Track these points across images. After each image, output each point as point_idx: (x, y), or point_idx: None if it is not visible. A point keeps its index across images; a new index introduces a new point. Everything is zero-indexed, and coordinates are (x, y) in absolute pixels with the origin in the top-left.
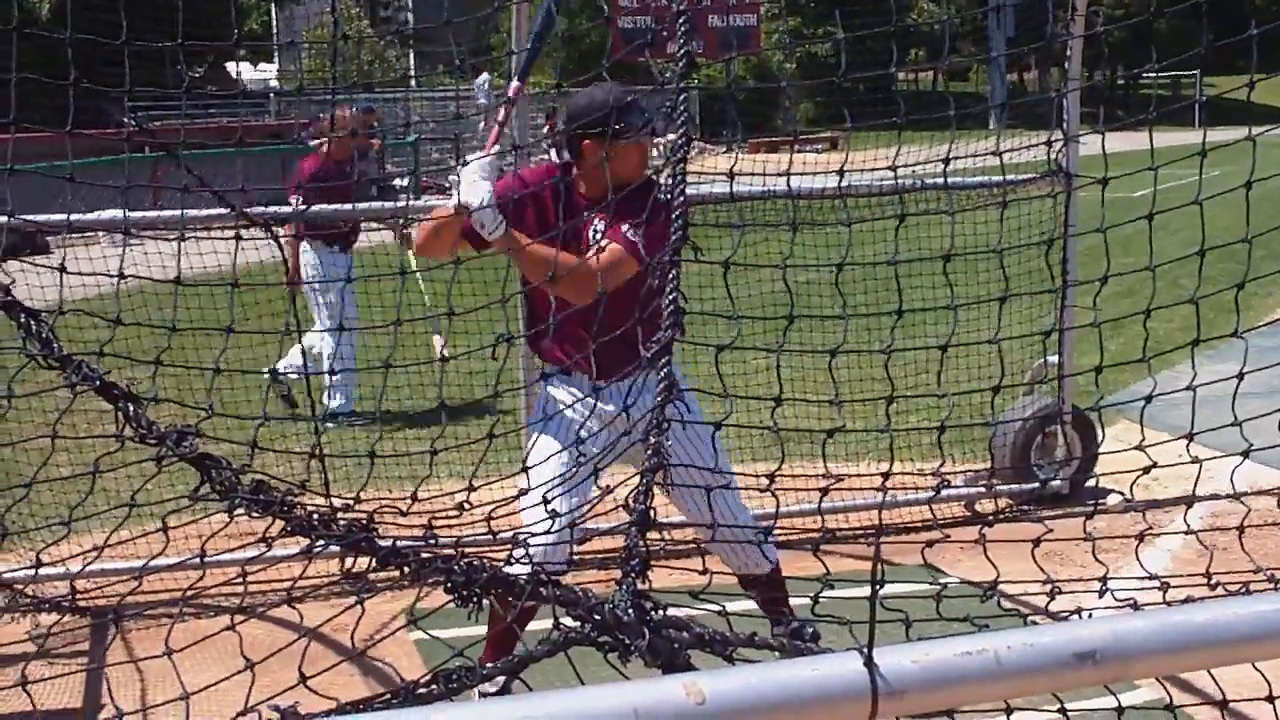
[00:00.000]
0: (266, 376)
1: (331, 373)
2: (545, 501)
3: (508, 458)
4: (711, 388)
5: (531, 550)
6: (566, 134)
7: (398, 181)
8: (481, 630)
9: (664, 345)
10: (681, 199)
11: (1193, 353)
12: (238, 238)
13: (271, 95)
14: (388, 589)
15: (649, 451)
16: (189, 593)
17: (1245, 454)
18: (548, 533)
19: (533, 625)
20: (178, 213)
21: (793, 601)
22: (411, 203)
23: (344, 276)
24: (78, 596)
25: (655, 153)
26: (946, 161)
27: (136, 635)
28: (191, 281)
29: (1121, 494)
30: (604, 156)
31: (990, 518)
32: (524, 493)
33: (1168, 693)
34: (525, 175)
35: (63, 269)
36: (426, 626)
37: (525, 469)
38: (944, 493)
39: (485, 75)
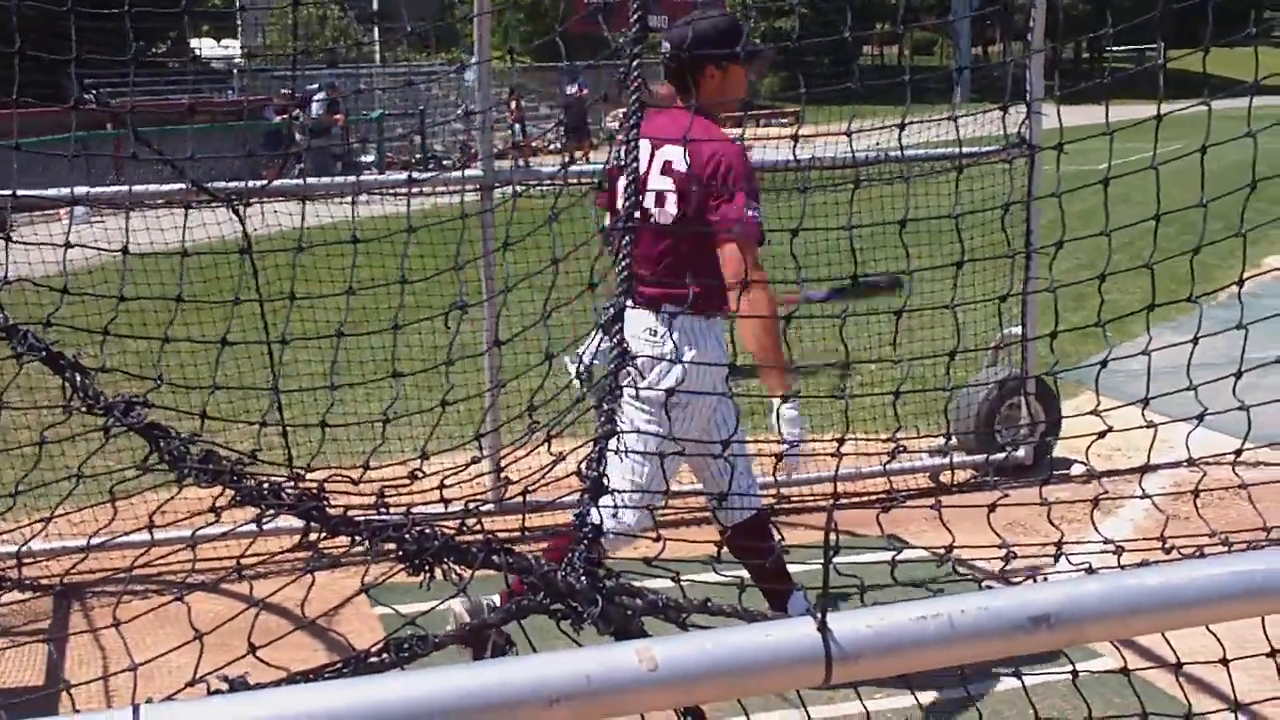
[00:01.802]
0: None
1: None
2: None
3: (472, 430)
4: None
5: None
6: (690, 61)
7: (363, 157)
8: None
9: (616, 313)
10: (634, 164)
11: (1148, 319)
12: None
13: (234, 71)
14: (348, 563)
15: (602, 419)
16: (144, 567)
17: (1200, 418)
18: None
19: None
20: (136, 188)
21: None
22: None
23: None
24: (36, 573)
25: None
26: (902, 126)
27: (100, 613)
28: (152, 253)
29: (1084, 463)
30: (721, 79)
31: (952, 488)
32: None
33: (1123, 658)
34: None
35: (8, 239)
36: (389, 601)
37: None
38: (907, 464)
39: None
